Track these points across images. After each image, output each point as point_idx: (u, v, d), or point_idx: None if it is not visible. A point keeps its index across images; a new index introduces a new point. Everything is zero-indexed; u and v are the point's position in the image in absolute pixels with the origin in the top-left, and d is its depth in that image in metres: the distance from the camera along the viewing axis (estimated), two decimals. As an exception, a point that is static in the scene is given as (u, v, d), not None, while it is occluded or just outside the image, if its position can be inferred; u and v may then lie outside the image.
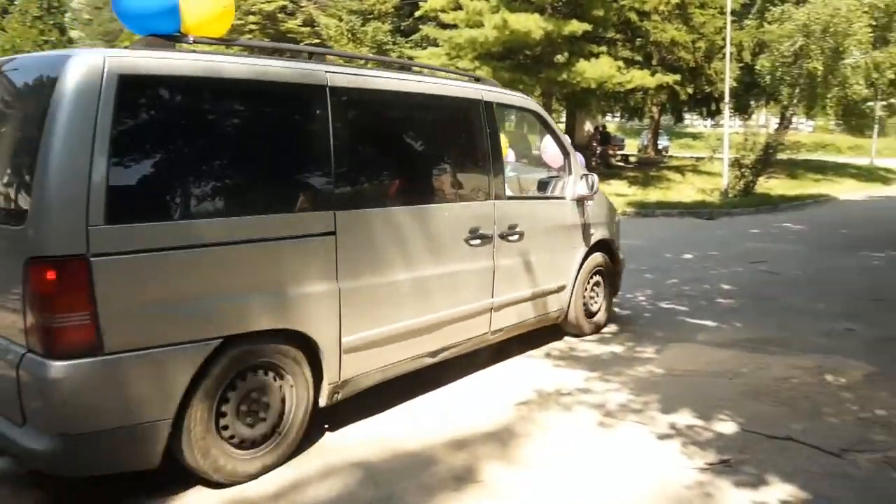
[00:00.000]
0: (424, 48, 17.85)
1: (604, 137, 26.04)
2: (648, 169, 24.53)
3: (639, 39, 19.69)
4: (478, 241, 4.24)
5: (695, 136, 47.81)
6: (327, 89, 3.35)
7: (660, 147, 41.11)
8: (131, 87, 2.67)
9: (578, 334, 5.52)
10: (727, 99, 17.80)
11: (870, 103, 29.38)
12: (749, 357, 5.08)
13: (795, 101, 25.32)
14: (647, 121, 37.22)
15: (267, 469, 3.16)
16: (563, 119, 21.98)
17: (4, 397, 2.69)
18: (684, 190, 20.44)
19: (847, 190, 22.05)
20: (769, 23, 21.20)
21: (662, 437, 3.71)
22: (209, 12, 3.02)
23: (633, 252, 8.39)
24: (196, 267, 2.88)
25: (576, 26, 15.59)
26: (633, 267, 7.67)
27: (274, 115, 3.34)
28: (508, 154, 6.95)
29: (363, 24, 18.74)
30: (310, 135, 3.36)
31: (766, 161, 18.13)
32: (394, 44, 18.27)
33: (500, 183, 4.47)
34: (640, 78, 16.35)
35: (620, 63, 16.76)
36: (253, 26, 22.27)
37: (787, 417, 3.95)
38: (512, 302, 4.64)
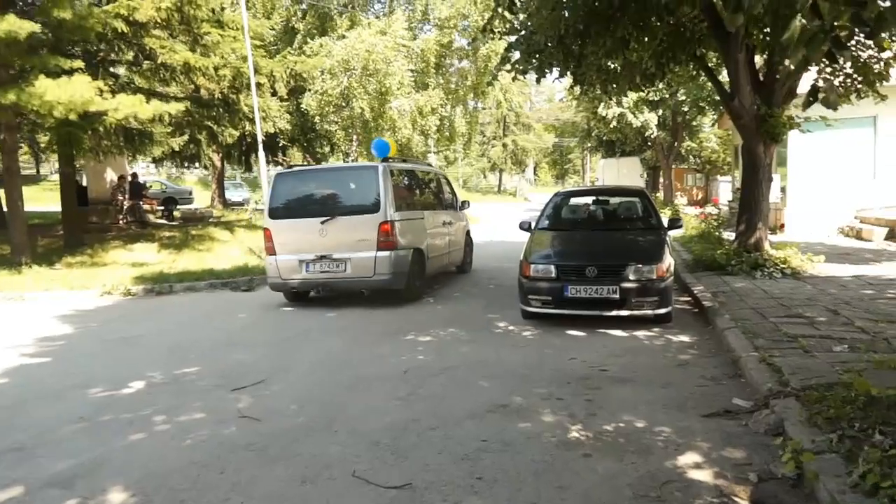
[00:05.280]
0: None
1: (135, 188, 20.73)
2: (192, 227, 20.01)
3: (148, 62, 15.15)
4: (444, 225, 11.06)
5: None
6: (436, 172, 12.50)
7: (241, 200, 36.88)
8: (391, 172, 9.34)
9: (463, 272, 12.43)
10: (260, 137, 14.37)
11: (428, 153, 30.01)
12: None
13: (355, 145, 23.74)
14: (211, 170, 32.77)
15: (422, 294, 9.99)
16: (55, 165, 16.02)
17: (364, 270, 8.99)
18: (229, 252, 16.42)
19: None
20: (308, 56, 18.80)
21: None
22: (394, 149, 11.88)
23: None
24: (410, 225, 9.50)
25: (13, 25, 10.32)
26: None
27: (420, 179, 11.12)
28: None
29: None
30: (425, 183, 11.33)
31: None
32: None
33: (444, 203, 11.68)
34: (129, 105, 11.75)
35: (101, 85, 11.88)
36: None
37: None
38: (453, 251, 11.54)
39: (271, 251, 9.32)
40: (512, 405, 4.89)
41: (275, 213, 9.39)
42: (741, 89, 10.36)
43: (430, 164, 13.62)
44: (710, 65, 12.11)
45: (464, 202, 12.75)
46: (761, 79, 11.01)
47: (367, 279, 9.07)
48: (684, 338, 6.98)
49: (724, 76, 13.39)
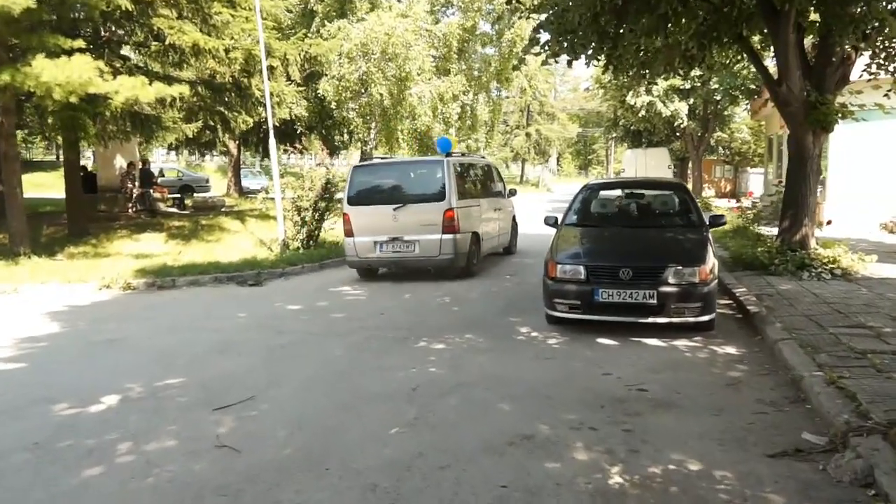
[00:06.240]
0: None
1: (145, 176, 20.19)
2: (203, 216, 19.43)
3: (156, 43, 14.53)
4: (495, 211, 12.36)
5: (297, 176, 44.51)
6: (488, 164, 13.45)
7: (258, 188, 36.36)
8: (453, 164, 10.64)
9: (509, 254, 13.44)
10: (271, 123, 13.68)
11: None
12: None
13: (373, 133, 23.03)
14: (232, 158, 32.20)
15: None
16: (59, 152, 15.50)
17: (430, 250, 10.32)
18: (239, 243, 15.83)
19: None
20: (325, 39, 18.07)
21: None
22: (455, 145, 14.41)
23: None
24: (468, 212, 10.78)
25: (6, 0, 9.71)
26: None
27: (475, 171, 12.23)
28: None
29: None
30: (480, 174, 12.37)
31: (329, 201, 14.54)
32: None
33: (494, 191, 12.79)
34: (130, 88, 11.12)
35: (101, 65, 11.21)
36: None
37: None
38: (502, 234, 12.81)
39: (349, 233, 10.70)
40: (537, 436, 4.15)
41: (352, 200, 10.74)
42: (791, 74, 9.44)
43: (483, 157, 14.97)
44: (754, 48, 11.16)
45: (511, 190, 14.09)
46: (811, 63, 10.08)
47: (433, 258, 10.44)
48: (730, 349, 6.18)
49: (768, 61, 12.47)
